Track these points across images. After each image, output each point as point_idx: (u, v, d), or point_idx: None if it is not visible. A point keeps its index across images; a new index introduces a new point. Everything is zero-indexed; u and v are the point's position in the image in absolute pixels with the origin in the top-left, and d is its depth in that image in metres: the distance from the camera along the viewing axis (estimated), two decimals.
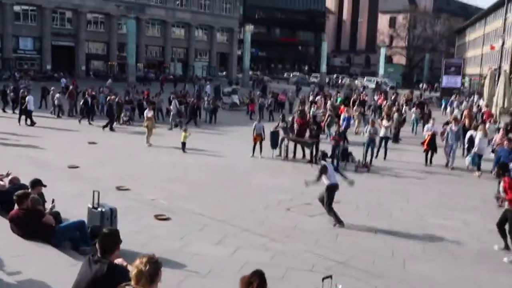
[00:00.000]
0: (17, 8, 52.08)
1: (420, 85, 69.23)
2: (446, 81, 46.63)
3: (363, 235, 9.37)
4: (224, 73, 72.83)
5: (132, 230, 8.94)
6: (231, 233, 9.09)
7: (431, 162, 16.09)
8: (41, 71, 52.25)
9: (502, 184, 8.69)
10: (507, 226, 8.60)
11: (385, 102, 28.72)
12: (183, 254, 7.95)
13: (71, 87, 29.24)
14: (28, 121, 21.78)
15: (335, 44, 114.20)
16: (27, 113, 21.65)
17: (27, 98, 21.62)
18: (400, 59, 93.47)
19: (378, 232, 9.58)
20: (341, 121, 19.34)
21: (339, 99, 29.32)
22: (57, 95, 25.81)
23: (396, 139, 20.71)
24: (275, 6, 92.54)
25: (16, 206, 6.86)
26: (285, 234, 9.16)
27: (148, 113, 19.17)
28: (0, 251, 6.20)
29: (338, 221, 9.73)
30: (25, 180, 11.45)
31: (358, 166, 15.16)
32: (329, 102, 26.13)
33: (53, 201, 7.77)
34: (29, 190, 7.49)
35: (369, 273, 7.63)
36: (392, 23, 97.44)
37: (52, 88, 26.70)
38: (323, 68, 68.85)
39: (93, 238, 7.38)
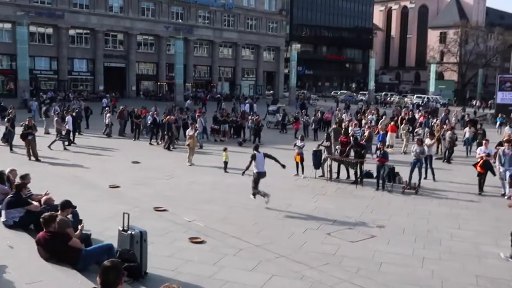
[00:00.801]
0: (72, 32, 54.28)
1: (474, 102, 66.63)
2: (502, 97, 44.42)
3: (409, 264, 8.68)
4: (271, 91, 72.86)
5: (164, 253, 8.71)
6: (266, 259, 8.65)
7: (482, 188, 14.53)
8: (94, 92, 54.02)
9: None
10: None
11: (435, 120, 27.53)
12: (214, 281, 7.57)
13: (122, 107, 29.82)
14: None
15: (383, 61, 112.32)
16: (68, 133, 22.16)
17: (66, 119, 22.12)
18: (451, 75, 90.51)
19: (426, 260, 8.86)
20: (376, 139, 18.49)
21: (373, 118, 28.39)
22: (108, 114, 26.34)
23: (448, 159, 19.67)
24: (321, 24, 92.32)
25: (44, 229, 6.71)
26: (323, 262, 8.62)
27: (189, 131, 19.13)
28: (17, 276, 6.04)
29: (264, 194, 12.11)
30: (71, 199, 11.60)
31: (405, 187, 14.37)
32: (364, 120, 25.42)
33: (80, 222, 7.61)
34: (59, 212, 7.36)
35: None
36: (443, 38, 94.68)
37: (105, 108, 27.25)
38: (371, 85, 67.66)
39: (123, 262, 7.15)
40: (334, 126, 20.89)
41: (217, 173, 16.78)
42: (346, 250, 9.32)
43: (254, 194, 12.49)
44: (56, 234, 6.56)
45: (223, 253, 8.87)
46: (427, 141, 16.56)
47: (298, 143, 16.49)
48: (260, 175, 12.41)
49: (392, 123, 24.42)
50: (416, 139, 16.11)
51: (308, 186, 15.14)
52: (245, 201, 12.80)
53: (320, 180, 15.90)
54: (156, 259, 8.30)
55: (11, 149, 19.67)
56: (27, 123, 18.00)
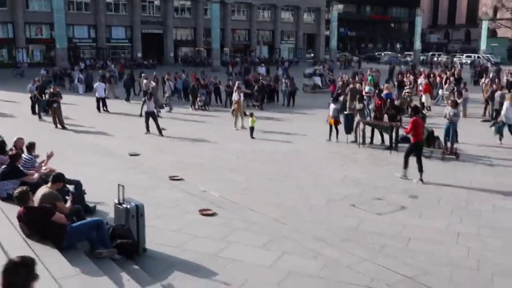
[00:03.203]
0: None
1: None
2: None
3: (442, 241, 7.65)
4: (311, 54, 70.79)
5: (171, 227, 8.08)
6: (280, 234, 7.85)
7: None
8: (132, 59, 54.00)
9: None
10: None
11: (483, 79, 25.50)
12: (219, 260, 6.86)
13: (154, 73, 29.21)
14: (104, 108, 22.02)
15: (431, 19, 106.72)
16: (101, 100, 21.86)
17: (95, 86, 21.80)
18: (506, 32, 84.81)
19: (462, 236, 7.81)
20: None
21: (369, 78, 26.61)
22: (145, 81, 25.44)
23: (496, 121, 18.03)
24: None
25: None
26: (343, 237, 7.74)
27: (235, 96, 18.37)
28: None
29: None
30: (85, 169, 11.21)
31: (445, 153, 13.12)
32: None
33: (68, 193, 7.02)
34: (49, 185, 6.78)
35: None
36: None
37: (143, 75, 26.71)
38: (417, 45, 64.40)
39: (116, 238, 6.56)
40: (350, 86, 19.73)
41: (245, 140, 15.98)
42: (371, 223, 8.37)
43: None
44: (36, 209, 5.99)
45: (234, 227, 8.13)
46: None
47: (332, 105, 15.38)
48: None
49: (425, 81, 22.62)
50: (450, 101, 14.63)
51: (339, 153, 14.12)
52: (267, 170, 11.99)
53: (353, 145, 14.82)
54: (161, 234, 7.68)
55: (40, 117, 19.58)
56: (52, 90, 17.73)
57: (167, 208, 9.06)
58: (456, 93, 19.04)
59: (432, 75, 26.91)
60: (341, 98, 17.30)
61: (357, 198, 9.71)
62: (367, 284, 6.20)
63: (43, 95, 19.59)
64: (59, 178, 6.90)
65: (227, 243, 7.45)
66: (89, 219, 6.69)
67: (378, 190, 10.27)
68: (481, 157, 13.31)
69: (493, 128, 15.49)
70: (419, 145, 11.19)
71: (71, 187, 8.33)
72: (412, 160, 11.03)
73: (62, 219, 6.02)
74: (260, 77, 27.15)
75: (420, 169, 10.79)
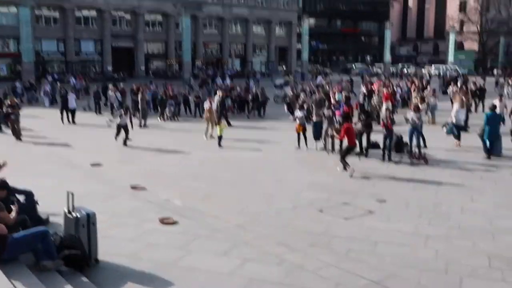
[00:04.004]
0: (78, 12, 53.22)
1: (494, 71, 63.78)
2: None
3: (411, 244, 7.42)
4: (284, 67, 70.99)
5: (127, 236, 7.63)
6: (243, 240, 7.49)
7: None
8: (102, 73, 53.10)
9: None
10: None
11: (451, 87, 25.80)
12: (176, 269, 6.45)
13: (121, 84, 28.65)
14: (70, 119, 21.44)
15: (400, 32, 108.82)
16: (70, 111, 21.29)
17: (69, 97, 21.29)
18: (472, 45, 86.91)
19: (430, 239, 7.59)
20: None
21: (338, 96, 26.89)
22: (111, 93, 24.97)
23: (465, 126, 18.12)
24: None
25: None
26: (309, 242, 7.42)
27: (206, 105, 17.99)
28: None
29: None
30: (42, 180, 10.63)
31: (413, 157, 13.01)
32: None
33: (14, 203, 6.52)
34: None
35: None
36: (463, 7, 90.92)
37: (110, 87, 26.13)
38: (387, 57, 65.29)
39: (64, 248, 6.09)
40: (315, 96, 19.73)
41: (212, 148, 15.60)
42: (338, 228, 8.09)
43: None
44: None
45: (196, 234, 7.73)
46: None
47: (298, 113, 15.19)
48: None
49: (386, 90, 22.57)
50: (412, 106, 14.64)
51: (307, 160, 13.87)
52: (234, 177, 11.64)
53: (322, 153, 14.59)
54: (116, 244, 7.24)
55: (0, 129, 18.86)
56: (9, 102, 17.07)
57: (125, 217, 8.61)
58: (419, 98, 19.01)
59: (391, 84, 27.01)
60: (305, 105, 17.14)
61: (324, 203, 9.44)
62: None
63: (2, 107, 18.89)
64: (1, 185, 6.41)
65: (186, 252, 7.05)
66: (33, 228, 6.19)
67: (345, 194, 10.02)
68: (450, 161, 13.25)
69: (444, 129, 15.69)
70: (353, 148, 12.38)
71: (21, 198, 7.81)
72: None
73: (1, 229, 5.54)
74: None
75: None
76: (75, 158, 14.10)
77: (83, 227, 6.36)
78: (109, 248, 6.95)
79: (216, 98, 20.73)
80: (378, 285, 6.02)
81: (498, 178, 11.61)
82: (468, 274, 6.36)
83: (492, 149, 13.51)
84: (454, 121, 15.33)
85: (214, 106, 18.34)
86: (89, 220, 6.43)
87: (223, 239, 7.52)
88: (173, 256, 6.85)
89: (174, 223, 8.28)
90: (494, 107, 14.18)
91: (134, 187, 10.62)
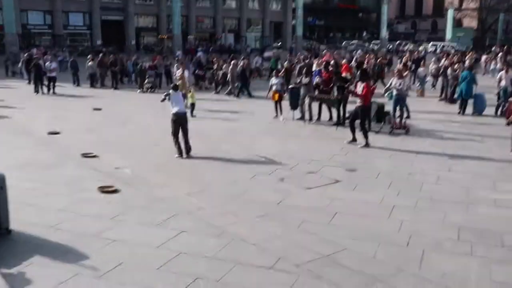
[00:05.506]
0: None
1: (493, 49, 62.52)
2: None
3: (373, 215, 6.59)
4: (279, 43, 69.53)
5: (56, 206, 6.79)
6: (186, 211, 6.66)
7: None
8: (91, 46, 51.74)
9: None
10: None
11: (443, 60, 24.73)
12: (98, 241, 5.64)
13: (101, 55, 27.47)
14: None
15: (399, 10, 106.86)
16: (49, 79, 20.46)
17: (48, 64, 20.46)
18: (471, 22, 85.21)
19: (396, 210, 6.76)
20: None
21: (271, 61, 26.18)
22: (90, 63, 23.96)
23: (452, 98, 17.24)
24: None
25: None
26: (260, 213, 6.59)
27: (178, 72, 16.98)
28: None
29: (180, 153, 9.67)
30: None
31: (393, 127, 12.13)
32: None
33: None
34: None
35: (362, 274, 4.93)
36: None
37: (88, 57, 25.04)
38: (384, 34, 63.90)
39: None
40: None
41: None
42: (297, 198, 7.26)
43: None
44: None
45: (133, 205, 6.90)
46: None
47: (273, 80, 14.26)
48: (177, 115, 9.84)
49: (345, 62, 21.05)
50: (395, 71, 13.46)
51: (282, 129, 12.98)
52: (197, 147, 10.75)
53: (299, 122, 13.69)
54: (39, 213, 6.46)
55: None
56: None
57: (62, 185, 7.79)
58: (402, 66, 17.80)
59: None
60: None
61: (288, 172, 8.59)
62: (271, 264, 5.07)
63: None
64: None
65: (115, 222, 6.23)
66: None
67: (313, 163, 9.17)
68: (433, 131, 12.38)
69: (385, 95, 13.93)
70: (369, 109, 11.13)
71: None
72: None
73: None
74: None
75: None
76: (34, 126, 13.20)
77: None
78: (29, 218, 6.18)
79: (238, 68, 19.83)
80: (325, 258, 5.20)
81: (482, 148, 10.73)
82: (432, 248, 5.54)
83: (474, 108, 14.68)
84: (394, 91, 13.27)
85: (187, 73, 17.32)
86: None
87: (164, 210, 6.68)
88: (100, 227, 6.02)
89: (114, 191, 7.43)
90: (470, 67, 15.48)
91: (85, 155, 9.76)
